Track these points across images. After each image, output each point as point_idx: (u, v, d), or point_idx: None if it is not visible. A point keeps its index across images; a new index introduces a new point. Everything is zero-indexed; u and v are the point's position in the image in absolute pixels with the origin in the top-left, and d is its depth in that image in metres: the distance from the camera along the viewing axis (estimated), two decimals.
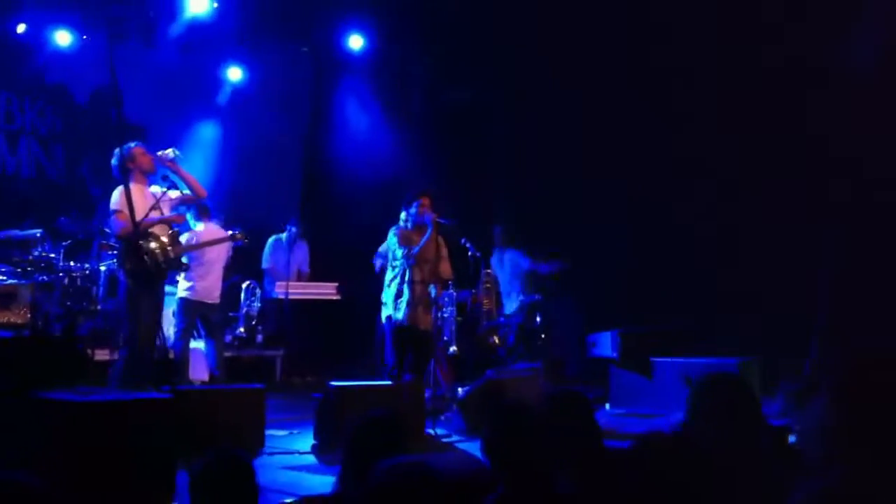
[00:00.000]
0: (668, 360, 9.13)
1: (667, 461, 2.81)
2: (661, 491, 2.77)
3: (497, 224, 10.34)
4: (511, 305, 10.36)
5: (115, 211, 7.26)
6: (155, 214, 7.31)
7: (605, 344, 10.15)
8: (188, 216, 9.53)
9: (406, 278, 8.22)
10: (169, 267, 7.50)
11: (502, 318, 10.08)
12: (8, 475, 2.54)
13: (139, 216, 7.02)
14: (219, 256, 9.44)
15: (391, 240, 8.33)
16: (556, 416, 3.68)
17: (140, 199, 7.20)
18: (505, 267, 10.19)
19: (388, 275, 8.41)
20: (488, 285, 10.08)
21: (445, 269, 8.52)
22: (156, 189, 7.58)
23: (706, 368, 8.33)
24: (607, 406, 9.44)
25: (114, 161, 7.47)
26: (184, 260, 8.21)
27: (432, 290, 8.33)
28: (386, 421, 3.60)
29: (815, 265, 8.96)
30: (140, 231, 7.02)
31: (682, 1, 9.76)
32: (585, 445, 3.66)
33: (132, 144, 7.55)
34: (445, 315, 9.83)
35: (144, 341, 7.15)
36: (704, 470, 2.81)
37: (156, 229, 7.32)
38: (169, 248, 7.39)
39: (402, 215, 8.47)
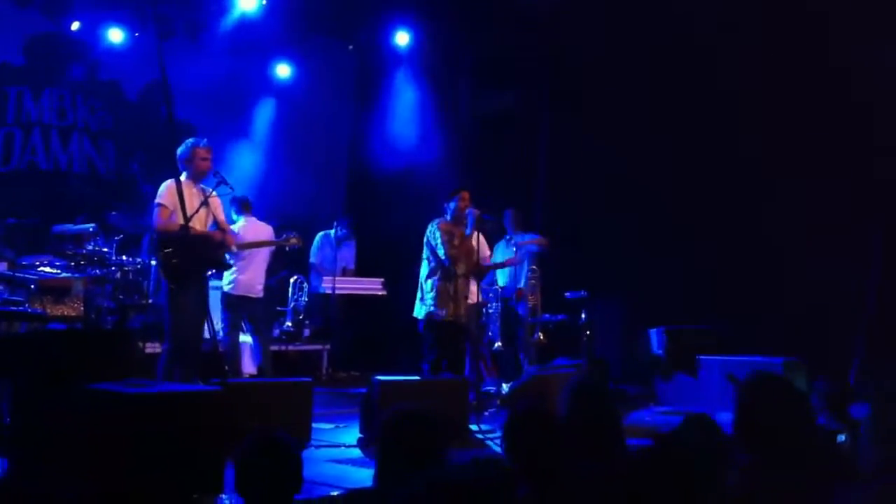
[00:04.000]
0: (714, 358, 9.06)
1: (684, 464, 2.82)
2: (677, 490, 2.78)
3: (507, 209, 10.26)
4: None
5: (159, 205, 7.34)
6: (203, 211, 7.39)
7: (651, 341, 10.10)
8: (231, 211, 9.66)
9: (449, 273, 8.25)
10: (208, 265, 7.60)
11: (547, 315, 10.07)
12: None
13: (188, 212, 7.10)
14: (259, 250, 9.53)
15: (434, 234, 8.36)
16: (575, 408, 3.72)
17: (189, 195, 7.30)
18: (511, 251, 10.08)
19: (426, 269, 8.41)
20: (533, 281, 10.07)
21: (486, 260, 8.60)
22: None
23: (752, 367, 8.27)
24: (652, 405, 9.39)
25: (179, 150, 7.57)
26: (230, 261, 8.32)
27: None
28: (418, 415, 3.59)
29: (861, 264, 8.87)
30: (189, 226, 7.09)
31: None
32: (603, 436, 3.68)
33: (201, 144, 7.60)
34: (490, 311, 9.86)
35: (186, 334, 7.25)
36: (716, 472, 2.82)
37: (196, 226, 7.39)
38: (210, 246, 7.48)
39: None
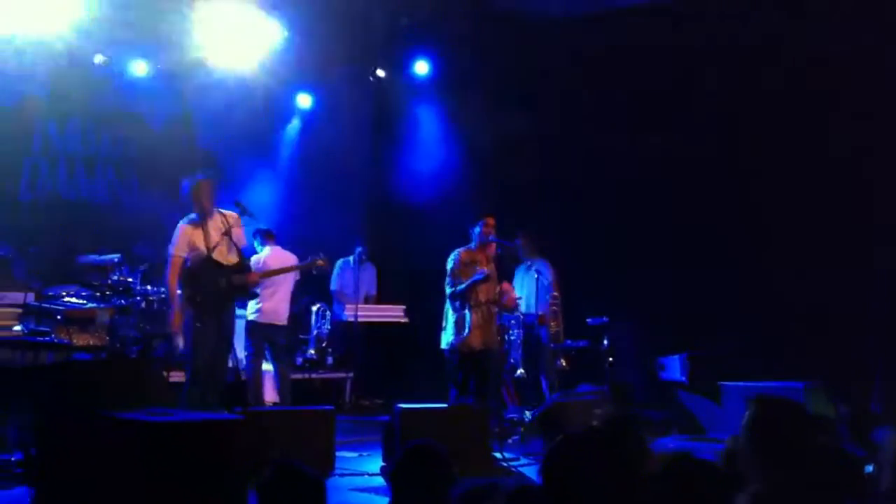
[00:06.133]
0: (737, 384, 9.01)
1: (689, 485, 2.82)
2: None
3: (519, 236, 10.24)
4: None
5: (170, 254, 7.46)
6: (225, 241, 7.41)
7: (674, 367, 10.05)
8: (255, 242, 9.74)
9: (469, 301, 8.28)
10: (235, 294, 7.66)
11: (569, 341, 10.06)
12: None
13: (212, 243, 7.18)
14: (285, 278, 9.59)
15: (451, 263, 8.41)
16: (609, 441, 3.70)
17: (212, 228, 7.36)
18: (532, 277, 10.07)
19: (448, 299, 8.46)
20: (555, 307, 10.06)
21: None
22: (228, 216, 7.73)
23: (773, 392, 8.21)
24: (675, 430, 9.34)
25: (184, 188, 7.65)
26: (256, 290, 8.38)
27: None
28: (432, 450, 3.62)
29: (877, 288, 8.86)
30: (211, 260, 7.17)
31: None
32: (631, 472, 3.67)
33: (200, 177, 7.67)
34: (512, 338, 9.86)
35: (207, 363, 7.32)
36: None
37: (219, 257, 7.43)
38: (235, 276, 7.53)
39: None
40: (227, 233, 7.49)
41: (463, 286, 8.38)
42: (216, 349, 7.42)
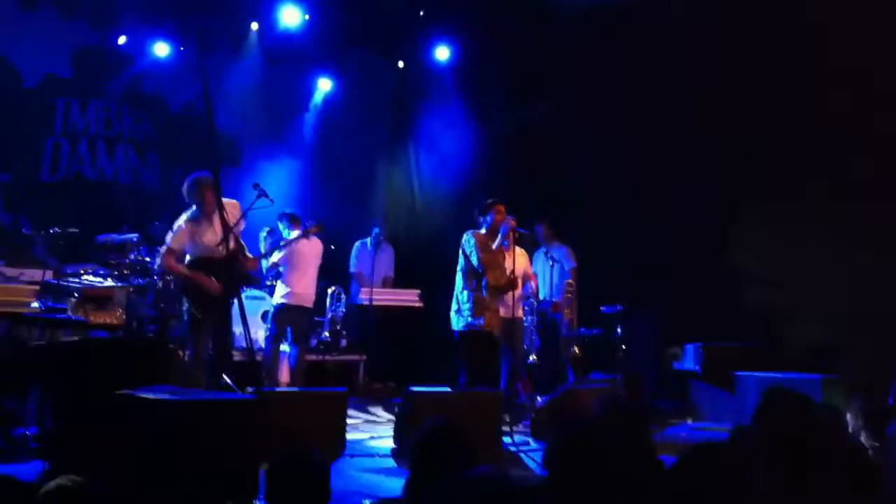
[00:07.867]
0: (751, 374, 9.00)
1: (710, 474, 2.83)
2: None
3: (539, 222, 10.22)
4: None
5: (167, 247, 7.53)
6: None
7: (688, 357, 10.06)
8: (281, 226, 9.79)
9: (482, 283, 8.29)
10: (241, 284, 7.73)
11: (583, 329, 10.07)
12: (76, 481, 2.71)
13: (216, 239, 7.25)
14: (312, 262, 9.65)
15: (468, 242, 8.40)
16: (609, 429, 3.72)
17: (216, 224, 7.38)
18: (551, 264, 10.07)
19: (461, 281, 8.45)
20: (569, 295, 10.06)
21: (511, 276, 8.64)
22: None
23: (789, 384, 8.20)
24: (689, 420, 9.36)
25: (184, 187, 7.69)
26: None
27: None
28: (452, 430, 3.65)
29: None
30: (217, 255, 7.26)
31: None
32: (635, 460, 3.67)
33: (202, 178, 7.63)
34: (525, 324, 9.87)
35: (207, 346, 7.44)
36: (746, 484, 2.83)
37: (224, 250, 7.42)
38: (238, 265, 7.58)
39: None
40: (231, 227, 7.37)
41: (497, 242, 8.34)
42: (216, 334, 7.53)
